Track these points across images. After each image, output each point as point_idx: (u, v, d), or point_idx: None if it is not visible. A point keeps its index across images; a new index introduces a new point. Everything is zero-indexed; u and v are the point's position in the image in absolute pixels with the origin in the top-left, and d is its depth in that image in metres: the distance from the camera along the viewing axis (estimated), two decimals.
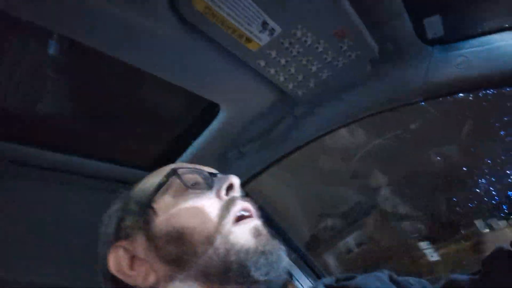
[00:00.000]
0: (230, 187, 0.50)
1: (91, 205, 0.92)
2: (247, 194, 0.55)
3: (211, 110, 0.78)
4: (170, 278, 0.45)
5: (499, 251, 0.52)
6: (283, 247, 0.47)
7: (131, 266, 0.47)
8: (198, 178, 0.51)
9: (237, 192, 0.51)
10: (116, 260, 0.48)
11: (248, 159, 0.91)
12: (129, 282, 0.47)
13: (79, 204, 0.92)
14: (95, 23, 0.50)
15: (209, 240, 0.44)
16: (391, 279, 0.58)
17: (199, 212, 0.46)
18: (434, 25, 0.68)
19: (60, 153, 0.81)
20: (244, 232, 0.45)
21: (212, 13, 0.51)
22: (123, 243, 0.49)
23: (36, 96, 0.72)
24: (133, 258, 0.48)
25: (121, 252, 0.48)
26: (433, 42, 0.70)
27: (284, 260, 0.46)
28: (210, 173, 0.53)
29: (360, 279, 0.58)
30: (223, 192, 0.49)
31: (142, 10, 0.50)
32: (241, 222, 0.46)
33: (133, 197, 0.53)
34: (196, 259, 0.43)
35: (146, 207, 0.49)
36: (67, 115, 0.79)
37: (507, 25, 0.68)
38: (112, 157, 0.89)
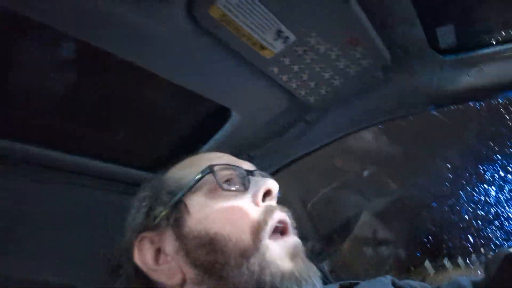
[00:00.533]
0: (267, 193, 0.48)
1: (100, 205, 0.94)
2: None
3: (223, 114, 0.79)
4: (198, 284, 0.43)
5: (505, 256, 0.50)
6: (318, 273, 0.45)
7: (156, 260, 0.46)
8: (234, 175, 0.49)
9: (274, 199, 0.48)
10: (141, 251, 0.46)
11: (258, 164, 0.91)
12: (152, 276, 0.46)
13: (87, 204, 0.93)
14: (111, 28, 0.51)
15: (245, 253, 0.42)
16: (394, 284, 0.57)
17: (235, 219, 0.44)
18: (446, 34, 0.68)
19: (67, 153, 0.82)
20: (282, 251, 0.43)
21: (228, 21, 0.52)
22: (150, 234, 0.47)
23: (41, 95, 0.73)
24: (158, 252, 0.47)
25: (147, 244, 0.47)
26: (445, 51, 0.70)
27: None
28: (247, 171, 0.50)
29: (363, 284, 0.57)
30: (259, 198, 0.46)
31: (159, 16, 0.51)
32: (279, 238, 0.44)
33: (165, 187, 0.50)
34: (227, 270, 0.42)
35: (179, 201, 0.47)
36: (83, 116, 0.80)
37: None
38: (124, 160, 0.90)
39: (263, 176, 0.51)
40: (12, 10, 0.45)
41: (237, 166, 0.50)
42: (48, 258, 0.94)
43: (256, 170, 0.53)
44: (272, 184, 0.48)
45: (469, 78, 0.69)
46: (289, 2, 0.52)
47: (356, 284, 0.58)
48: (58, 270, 0.97)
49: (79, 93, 0.75)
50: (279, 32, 0.56)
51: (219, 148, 0.85)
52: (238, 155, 0.88)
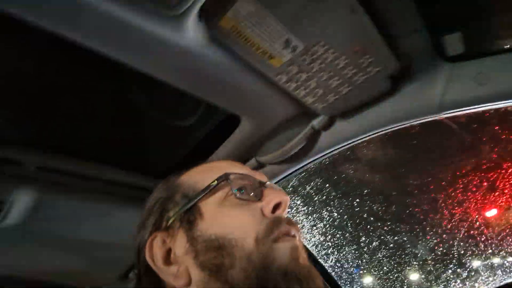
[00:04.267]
0: (277, 206, 0.49)
1: (114, 212, 0.95)
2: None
3: (232, 121, 0.80)
4: (204, 285, 0.45)
5: None
6: (320, 277, 0.46)
7: (166, 260, 0.47)
8: (247, 185, 0.50)
9: (284, 211, 0.50)
10: (153, 250, 0.48)
11: (265, 170, 0.92)
12: (160, 275, 0.47)
13: (103, 211, 0.95)
14: (124, 37, 0.52)
15: (248, 256, 0.43)
16: None
17: (243, 225, 0.46)
18: (454, 42, 0.68)
19: (81, 158, 0.83)
20: (285, 250, 0.44)
21: (239, 31, 0.54)
22: (162, 234, 0.49)
23: (51, 101, 0.75)
24: (169, 252, 0.48)
25: (158, 243, 0.48)
26: (453, 59, 0.70)
27: None
28: (260, 182, 0.52)
29: None
30: (269, 209, 0.48)
31: (172, 25, 0.52)
32: (282, 239, 0.46)
33: (180, 189, 0.52)
34: (233, 272, 0.43)
35: (193, 205, 0.48)
36: (89, 121, 0.82)
37: None
38: (133, 166, 0.91)
39: (275, 189, 0.53)
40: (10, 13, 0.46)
41: (251, 177, 0.52)
42: (53, 259, 0.96)
43: (269, 182, 0.54)
44: (283, 197, 0.49)
45: (478, 86, 0.68)
46: (298, 12, 0.53)
47: None
48: (62, 271, 0.98)
49: (91, 100, 0.77)
50: (287, 41, 0.57)
51: (229, 154, 0.87)
52: (247, 161, 0.90)
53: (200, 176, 0.53)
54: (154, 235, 0.49)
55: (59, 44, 0.53)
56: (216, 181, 0.49)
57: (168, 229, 0.49)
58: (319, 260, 1.20)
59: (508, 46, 0.69)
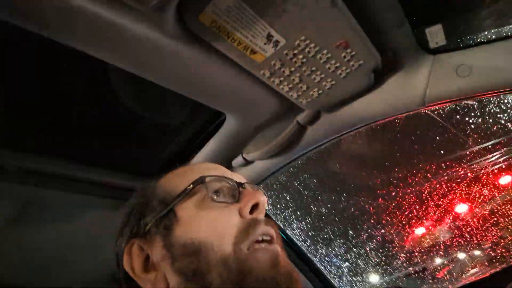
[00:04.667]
0: (255, 206, 0.48)
1: (99, 211, 0.94)
2: (268, 215, 0.53)
3: (217, 118, 0.79)
4: None
5: None
6: (300, 282, 0.46)
7: (144, 267, 0.47)
8: (225, 188, 0.50)
9: (261, 212, 0.49)
10: (131, 258, 0.48)
11: (252, 167, 0.92)
12: (139, 283, 0.47)
13: (87, 210, 0.94)
14: (101, 34, 0.51)
15: (224, 261, 0.43)
16: None
17: (219, 228, 0.45)
18: (436, 34, 0.69)
19: (65, 159, 0.82)
20: (262, 260, 0.44)
21: (218, 26, 0.53)
22: (140, 240, 0.48)
23: (43, 103, 0.73)
24: (147, 259, 0.48)
25: (136, 251, 0.48)
26: (435, 51, 0.71)
27: None
28: (238, 183, 0.51)
29: None
30: (247, 210, 0.47)
31: (149, 21, 0.51)
32: (260, 248, 0.45)
33: (156, 195, 0.51)
34: (209, 277, 0.42)
35: (169, 210, 0.48)
36: (74, 122, 0.80)
37: (510, 33, 0.68)
38: (118, 165, 0.90)
39: (253, 189, 0.52)
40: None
41: (228, 178, 0.51)
42: (48, 265, 0.95)
43: (246, 182, 0.53)
44: (261, 198, 0.49)
45: (459, 77, 0.69)
46: (278, 6, 0.52)
47: None
48: (57, 276, 0.97)
49: (73, 101, 0.76)
50: (269, 36, 0.57)
51: (215, 152, 0.86)
52: (234, 158, 0.90)
53: (176, 180, 0.52)
54: (132, 243, 0.48)
55: (37, 42, 0.52)
56: (191, 185, 0.49)
57: (146, 235, 0.48)
58: (309, 255, 1.20)
59: (490, 37, 0.70)
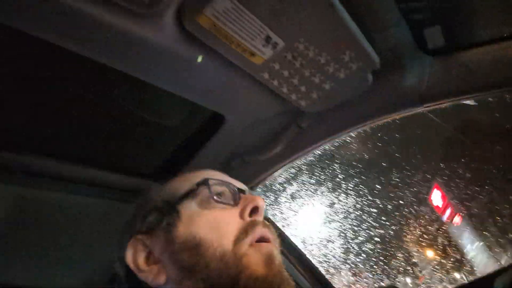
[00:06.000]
0: (254, 210, 0.51)
1: (98, 212, 0.94)
2: (268, 219, 0.55)
3: (216, 120, 0.79)
4: (179, 283, 0.46)
5: None
6: (293, 284, 0.48)
7: (146, 262, 0.49)
8: (226, 192, 0.53)
9: (260, 215, 0.52)
10: (134, 253, 0.50)
11: (251, 168, 0.92)
12: (140, 276, 0.49)
13: (86, 212, 0.94)
14: (100, 37, 0.51)
15: (223, 258, 0.45)
16: None
17: (219, 227, 0.48)
18: (434, 35, 0.69)
19: (65, 162, 0.82)
20: (257, 257, 0.46)
21: (217, 29, 0.53)
22: (144, 237, 0.50)
23: (43, 106, 0.74)
24: (150, 254, 0.50)
25: (139, 246, 0.50)
26: (433, 52, 0.71)
27: None
28: (239, 189, 0.54)
29: None
30: (246, 213, 0.50)
31: (149, 24, 0.51)
32: (257, 245, 0.48)
33: (162, 195, 0.54)
34: (207, 271, 0.45)
35: (172, 209, 0.51)
36: (74, 125, 0.81)
37: (507, 34, 0.69)
38: (118, 167, 0.90)
39: (253, 195, 0.55)
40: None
41: (230, 183, 0.55)
42: (48, 265, 0.95)
43: (247, 190, 0.57)
44: (260, 202, 0.52)
45: (458, 78, 0.69)
46: (276, 8, 0.52)
47: None
48: (57, 277, 0.97)
49: (74, 103, 0.76)
50: (267, 39, 0.57)
51: (214, 153, 0.86)
52: (232, 159, 0.90)
53: (180, 183, 0.55)
54: (135, 238, 0.51)
55: (37, 45, 0.52)
56: (196, 186, 0.52)
57: (149, 232, 0.51)
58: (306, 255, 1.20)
59: (488, 38, 0.70)
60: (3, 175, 0.76)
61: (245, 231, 0.48)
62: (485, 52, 0.69)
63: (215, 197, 0.51)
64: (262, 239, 0.49)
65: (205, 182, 0.51)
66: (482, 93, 0.71)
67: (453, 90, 0.70)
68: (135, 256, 0.49)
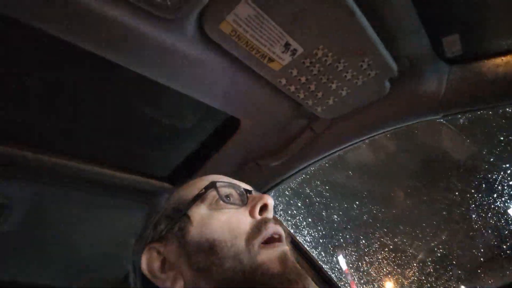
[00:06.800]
0: (263, 208, 0.52)
1: (114, 212, 0.96)
2: (276, 218, 0.56)
3: (232, 124, 0.80)
4: (196, 284, 0.47)
5: None
6: (309, 279, 0.48)
7: (162, 269, 0.50)
8: (234, 193, 0.54)
9: (270, 213, 0.53)
10: (149, 261, 0.50)
11: (265, 172, 0.92)
12: (158, 283, 0.49)
13: (103, 211, 0.96)
14: (124, 41, 0.53)
15: (238, 256, 0.46)
16: None
17: (232, 227, 0.48)
18: (453, 43, 0.68)
19: (85, 163, 0.84)
20: (272, 256, 0.47)
21: (238, 35, 0.54)
22: (157, 245, 0.51)
23: (60, 106, 0.75)
24: (164, 261, 0.50)
25: (154, 254, 0.51)
26: (451, 60, 0.70)
27: None
28: (246, 190, 0.55)
29: None
30: (256, 211, 0.51)
31: (170, 29, 0.53)
32: (270, 245, 0.48)
33: (171, 203, 0.55)
34: (222, 271, 0.45)
35: (182, 214, 0.51)
36: (93, 127, 0.82)
37: None
38: (136, 168, 0.92)
39: (260, 194, 0.56)
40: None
41: (237, 185, 0.56)
42: (57, 265, 0.97)
43: (253, 190, 0.57)
44: (268, 199, 0.52)
45: (476, 87, 0.69)
46: (297, 16, 0.53)
47: None
48: (65, 276, 0.99)
49: (93, 104, 0.78)
50: (287, 45, 0.58)
51: (229, 157, 0.87)
52: (247, 163, 0.90)
53: (188, 190, 0.56)
54: (149, 247, 0.51)
55: (57, 46, 0.54)
56: (204, 190, 0.53)
57: (162, 240, 0.51)
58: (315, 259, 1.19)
59: (506, 48, 0.70)
60: (12, 171, 0.77)
61: (258, 229, 0.49)
62: (503, 62, 0.68)
63: (224, 199, 0.51)
64: (274, 236, 0.50)
65: (212, 185, 0.52)
66: (499, 103, 0.70)
67: (470, 99, 0.70)
68: (150, 265, 0.50)
